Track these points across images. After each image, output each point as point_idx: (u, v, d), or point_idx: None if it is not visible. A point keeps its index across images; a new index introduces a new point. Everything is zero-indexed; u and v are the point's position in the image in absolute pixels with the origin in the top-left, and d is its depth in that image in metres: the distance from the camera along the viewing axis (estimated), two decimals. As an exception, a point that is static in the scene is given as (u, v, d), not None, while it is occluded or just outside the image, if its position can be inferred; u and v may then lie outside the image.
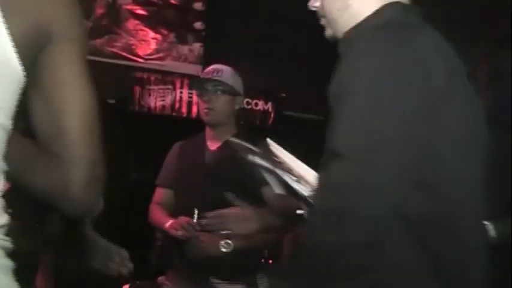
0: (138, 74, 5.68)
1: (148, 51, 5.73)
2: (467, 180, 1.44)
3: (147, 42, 5.75)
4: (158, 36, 5.78)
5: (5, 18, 1.05)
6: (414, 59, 1.35)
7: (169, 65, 5.74)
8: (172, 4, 5.82)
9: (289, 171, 1.75)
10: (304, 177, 1.72)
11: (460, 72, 1.45)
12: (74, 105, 1.14)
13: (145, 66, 5.71)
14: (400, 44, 1.37)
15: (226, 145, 2.97)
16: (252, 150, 1.91)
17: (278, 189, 1.88)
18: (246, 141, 1.98)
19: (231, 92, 3.10)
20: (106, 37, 5.60)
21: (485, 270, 1.45)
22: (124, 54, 5.65)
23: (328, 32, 1.64)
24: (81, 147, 1.13)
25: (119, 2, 5.67)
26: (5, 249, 1.11)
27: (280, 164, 1.78)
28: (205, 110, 3.07)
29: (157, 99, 5.69)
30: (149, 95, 5.64)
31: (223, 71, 3.12)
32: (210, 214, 2.50)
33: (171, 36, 5.80)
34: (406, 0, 1.57)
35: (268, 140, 1.85)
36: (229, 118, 3.13)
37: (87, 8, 5.52)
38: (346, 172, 1.33)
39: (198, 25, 5.86)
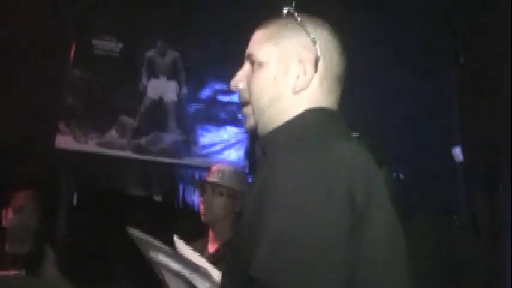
0: (184, 171, 5.65)
1: (195, 148, 5.71)
2: None
3: (194, 140, 5.74)
4: (205, 133, 5.77)
5: None
6: (337, 174, 1.21)
7: (216, 162, 5.70)
8: (220, 101, 5.83)
9: (196, 271, 1.55)
10: (211, 277, 1.53)
11: (380, 190, 1.30)
12: None
13: (191, 163, 5.67)
14: (325, 158, 1.23)
15: (224, 247, 2.86)
16: (155, 245, 1.66)
17: None
18: None
19: (230, 194, 3.02)
20: (152, 135, 5.61)
21: None
22: (170, 151, 5.63)
23: (250, 123, 1.48)
24: None
25: (164, 99, 5.71)
26: None
27: (188, 263, 1.56)
28: (202, 211, 3.02)
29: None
30: (194, 191, 5.58)
31: (224, 173, 3.08)
32: None
33: (218, 133, 5.79)
34: (333, 104, 1.47)
35: (175, 238, 1.69)
36: (228, 219, 3.02)
37: (131, 106, 5.60)
38: None
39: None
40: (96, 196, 5.37)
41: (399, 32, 5.09)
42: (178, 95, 5.75)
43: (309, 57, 1.43)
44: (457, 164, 4.60)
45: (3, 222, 3.80)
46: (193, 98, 5.78)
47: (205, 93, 5.81)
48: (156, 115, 5.70)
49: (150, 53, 5.77)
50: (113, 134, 5.50)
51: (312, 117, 1.40)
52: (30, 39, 5.14)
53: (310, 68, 1.42)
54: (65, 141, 5.40)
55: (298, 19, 1.45)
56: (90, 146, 5.43)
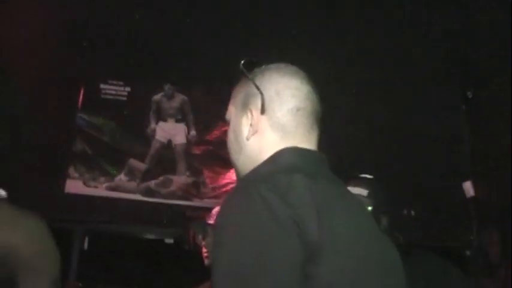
0: (195, 213, 5.63)
1: (204, 190, 5.71)
2: None
3: (203, 181, 5.74)
4: (214, 175, 5.77)
5: None
6: (292, 215, 1.23)
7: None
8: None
9: None
10: None
11: (348, 229, 1.32)
12: None
13: (201, 205, 5.66)
14: (281, 199, 1.25)
15: None
16: None
17: None
18: None
19: None
20: (161, 178, 5.62)
21: None
22: (180, 194, 5.63)
23: (235, 174, 1.61)
24: None
25: (173, 142, 5.73)
26: None
27: None
28: (205, 254, 2.98)
29: (213, 237, 5.60)
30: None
31: None
32: None
33: (227, 175, 5.79)
34: (310, 143, 1.49)
35: None
36: None
37: (140, 149, 5.62)
38: None
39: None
40: (107, 240, 5.35)
41: (407, 69, 5.11)
42: (186, 137, 5.77)
43: (255, 102, 1.50)
44: (467, 198, 4.57)
45: None
46: (202, 140, 5.80)
47: (214, 134, 5.82)
48: (165, 158, 5.72)
49: (157, 97, 5.81)
50: (122, 177, 5.51)
51: (281, 158, 1.43)
52: (38, 84, 5.18)
53: (255, 112, 1.49)
54: (74, 185, 5.41)
55: (245, 72, 1.53)
56: (100, 190, 5.44)
